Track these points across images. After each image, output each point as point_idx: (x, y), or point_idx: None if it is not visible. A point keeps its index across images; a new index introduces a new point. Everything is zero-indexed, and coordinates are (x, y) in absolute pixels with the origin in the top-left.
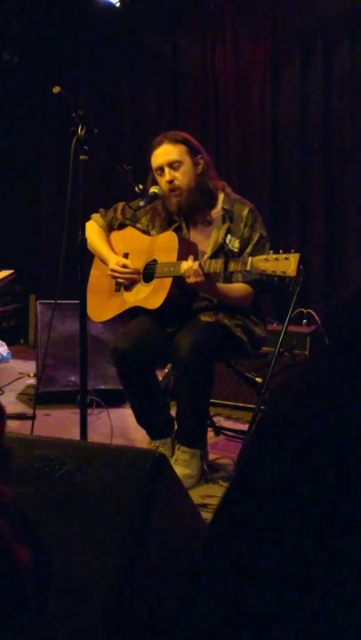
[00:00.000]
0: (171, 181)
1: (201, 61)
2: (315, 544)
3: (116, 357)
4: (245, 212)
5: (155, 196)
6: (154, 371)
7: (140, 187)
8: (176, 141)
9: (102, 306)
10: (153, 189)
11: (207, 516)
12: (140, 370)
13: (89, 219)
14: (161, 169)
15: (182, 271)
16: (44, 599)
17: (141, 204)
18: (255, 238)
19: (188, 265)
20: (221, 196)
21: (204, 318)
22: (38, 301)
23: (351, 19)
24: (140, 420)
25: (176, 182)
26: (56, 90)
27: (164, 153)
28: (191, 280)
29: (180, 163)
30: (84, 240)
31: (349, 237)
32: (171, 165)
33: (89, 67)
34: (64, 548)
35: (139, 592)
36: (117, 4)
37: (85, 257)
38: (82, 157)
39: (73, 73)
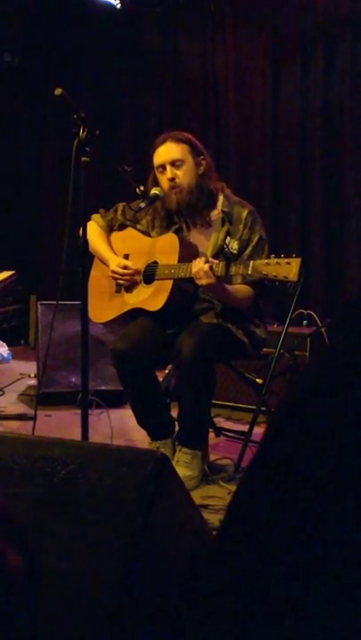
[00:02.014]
0: (172, 179)
1: (201, 62)
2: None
3: (116, 359)
4: (245, 213)
5: (156, 197)
6: (154, 372)
7: (141, 188)
8: (179, 140)
9: (103, 307)
10: (154, 191)
11: (208, 517)
12: (141, 371)
13: (89, 219)
14: (163, 167)
15: (193, 272)
16: (35, 604)
17: (142, 205)
18: (255, 240)
19: (199, 266)
20: (221, 198)
21: (206, 320)
22: (39, 302)
23: (351, 19)
24: (141, 422)
25: (177, 180)
26: (58, 92)
27: (167, 151)
28: (203, 282)
29: (182, 161)
30: (86, 241)
31: (350, 238)
32: (173, 164)
33: (90, 68)
34: (65, 549)
35: (140, 592)
36: (118, 6)
37: (86, 258)
38: (83, 159)
39: (74, 74)
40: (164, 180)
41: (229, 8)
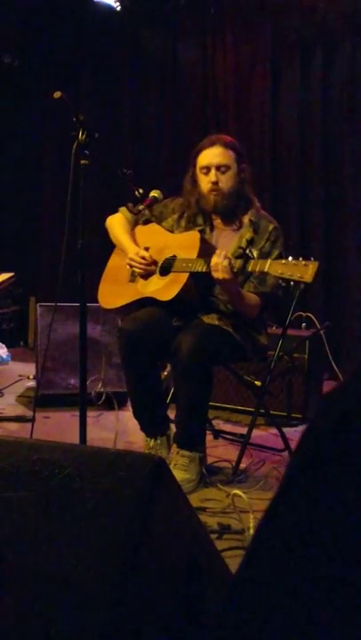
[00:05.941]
0: (215, 183)
1: (201, 65)
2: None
3: (122, 339)
4: (271, 227)
5: (155, 200)
6: (156, 358)
7: (140, 191)
8: (227, 146)
9: (114, 293)
10: (153, 193)
11: (206, 519)
12: (144, 353)
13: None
14: (208, 168)
15: (212, 265)
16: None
17: (141, 207)
18: (274, 255)
19: (217, 260)
20: (252, 208)
21: (208, 320)
22: (38, 304)
23: (351, 21)
24: (137, 413)
25: (220, 185)
26: (57, 95)
27: (215, 155)
28: (219, 275)
29: (227, 167)
30: (84, 244)
31: (349, 241)
32: (218, 168)
33: (90, 70)
34: (62, 553)
35: (137, 596)
36: (118, 8)
37: (85, 260)
38: (82, 161)
39: (74, 76)
40: (205, 180)
41: (229, 11)
